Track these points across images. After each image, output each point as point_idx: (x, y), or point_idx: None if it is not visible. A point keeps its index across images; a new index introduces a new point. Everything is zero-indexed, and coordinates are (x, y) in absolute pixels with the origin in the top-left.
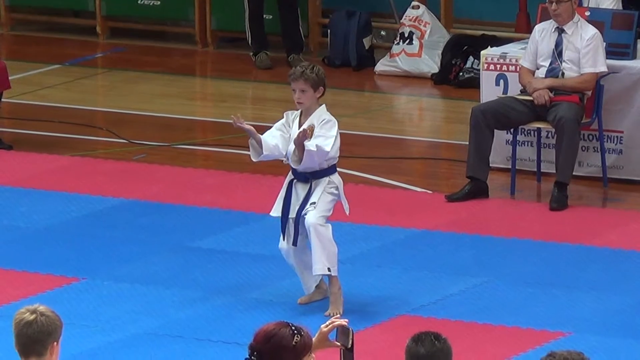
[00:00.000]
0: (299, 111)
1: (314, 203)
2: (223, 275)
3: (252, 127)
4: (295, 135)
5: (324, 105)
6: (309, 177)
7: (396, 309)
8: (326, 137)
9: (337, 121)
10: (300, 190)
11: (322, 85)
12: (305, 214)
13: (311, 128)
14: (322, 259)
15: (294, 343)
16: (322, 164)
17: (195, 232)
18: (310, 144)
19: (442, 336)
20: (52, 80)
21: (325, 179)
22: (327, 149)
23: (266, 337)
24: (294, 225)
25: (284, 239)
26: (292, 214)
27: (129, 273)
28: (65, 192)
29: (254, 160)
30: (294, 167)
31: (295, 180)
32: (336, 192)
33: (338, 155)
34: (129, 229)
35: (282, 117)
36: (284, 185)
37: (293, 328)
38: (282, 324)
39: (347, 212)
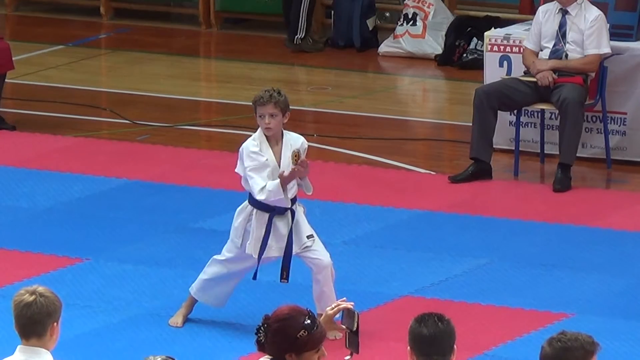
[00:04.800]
0: (261, 136)
1: (312, 236)
2: None
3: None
4: (289, 168)
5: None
6: (289, 206)
7: (399, 290)
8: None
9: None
10: (280, 223)
11: (288, 110)
12: (313, 255)
13: (296, 154)
14: (333, 297)
15: (297, 336)
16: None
17: (199, 213)
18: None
19: (445, 317)
20: (56, 61)
21: (297, 201)
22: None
23: (278, 317)
24: (282, 260)
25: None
26: (271, 252)
27: (132, 254)
28: (68, 173)
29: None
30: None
31: (273, 215)
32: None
33: None
34: (132, 209)
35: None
36: (257, 221)
37: (307, 321)
38: (300, 312)
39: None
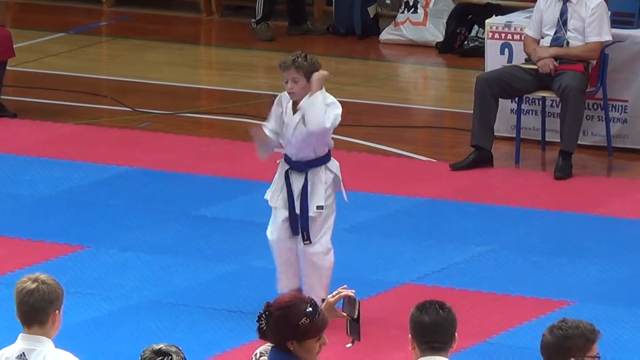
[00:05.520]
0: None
1: (322, 208)
2: (227, 243)
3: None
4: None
5: (323, 90)
6: (304, 167)
7: (401, 277)
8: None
9: (340, 105)
10: (295, 180)
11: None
12: (306, 238)
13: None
14: (317, 288)
15: (299, 323)
16: (318, 151)
17: (200, 201)
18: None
19: (446, 305)
20: (57, 49)
21: (321, 168)
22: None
23: (280, 305)
24: (295, 218)
25: (273, 233)
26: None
27: (133, 241)
28: (69, 160)
29: (262, 156)
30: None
31: (290, 170)
32: (331, 181)
33: (332, 143)
34: (133, 197)
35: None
36: (279, 174)
37: (309, 308)
38: (303, 300)
39: (346, 199)
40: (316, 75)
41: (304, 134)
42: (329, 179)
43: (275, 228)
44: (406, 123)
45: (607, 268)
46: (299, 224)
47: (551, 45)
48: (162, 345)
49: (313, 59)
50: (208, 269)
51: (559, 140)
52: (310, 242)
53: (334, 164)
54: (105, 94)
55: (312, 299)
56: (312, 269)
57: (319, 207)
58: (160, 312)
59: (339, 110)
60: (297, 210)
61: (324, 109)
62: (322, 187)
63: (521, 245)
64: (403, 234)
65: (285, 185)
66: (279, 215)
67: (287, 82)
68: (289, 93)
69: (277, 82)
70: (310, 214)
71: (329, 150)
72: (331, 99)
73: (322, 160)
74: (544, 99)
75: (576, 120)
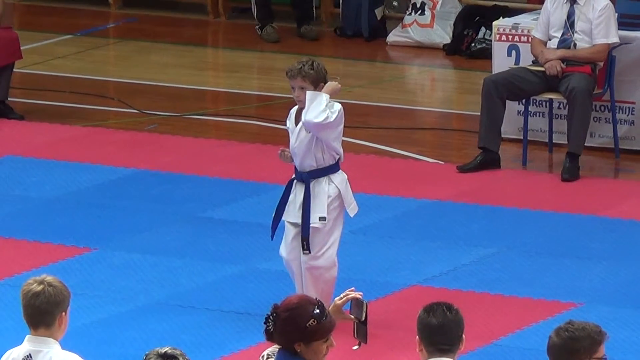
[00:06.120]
0: (296, 106)
1: (324, 219)
2: (235, 245)
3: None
4: (297, 130)
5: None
6: (306, 177)
7: (408, 279)
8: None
9: (342, 107)
10: (298, 191)
11: (322, 81)
12: (307, 250)
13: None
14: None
15: (307, 325)
16: (320, 160)
17: (207, 203)
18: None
19: (454, 307)
20: (64, 51)
21: (324, 179)
22: (331, 116)
23: (287, 307)
24: (300, 230)
25: (272, 238)
26: (288, 216)
27: (140, 243)
28: (76, 162)
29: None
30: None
31: (295, 180)
32: (337, 194)
33: (341, 152)
34: (140, 199)
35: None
36: (287, 183)
37: (317, 310)
38: (310, 301)
39: (352, 214)
40: (332, 84)
41: (305, 139)
42: (333, 192)
43: (286, 245)
44: (413, 125)
45: (614, 270)
46: (289, 234)
47: (558, 47)
48: (167, 349)
49: (320, 66)
50: (215, 271)
51: (566, 142)
52: (310, 252)
53: (338, 177)
54: (112, 96)
55: (320, 301)
56: (314, 281)
57: (322, 219)
58: (167, 314)
59: (334, 117)
60: (297, 220)
61: (324, 105)
62: (324, 198)
63: (528, 247)
64: (410, 235)
65: (284, 192)
66: (289, 232)
67: (293, 89)
68: (296, 100)
69: (284, 84)
70: (313, 225)
71: (337, 162)
72: (336, 107)
73: (326, 171)
74: (551, 100)
75: (583, 122)
